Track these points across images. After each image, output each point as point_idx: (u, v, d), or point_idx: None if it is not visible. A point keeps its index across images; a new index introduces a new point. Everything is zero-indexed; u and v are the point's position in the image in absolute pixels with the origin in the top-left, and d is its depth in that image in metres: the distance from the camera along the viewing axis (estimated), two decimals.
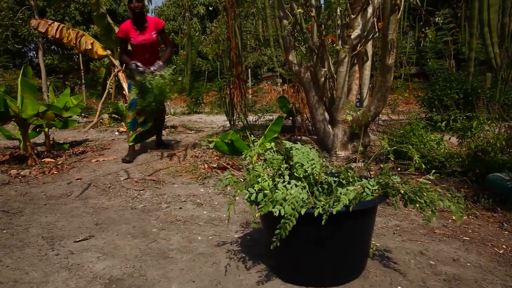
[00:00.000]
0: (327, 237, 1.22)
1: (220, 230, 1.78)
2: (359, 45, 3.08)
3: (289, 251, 1.26)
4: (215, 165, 3.02)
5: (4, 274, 1.37)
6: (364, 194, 1.26)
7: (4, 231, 1.77)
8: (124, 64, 3.48)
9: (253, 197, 1.22)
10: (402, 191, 1.24)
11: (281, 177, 1.30)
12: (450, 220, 1.91)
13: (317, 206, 1.15)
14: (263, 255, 1.47)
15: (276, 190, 1.20)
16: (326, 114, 3.38)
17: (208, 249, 1.58)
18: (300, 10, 3.18)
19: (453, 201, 1.20)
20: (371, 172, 2.58)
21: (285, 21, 3.30)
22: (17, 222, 1.89)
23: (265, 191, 1.23)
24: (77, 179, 2.73)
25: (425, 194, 1.21)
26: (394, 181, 1.27)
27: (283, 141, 1.45)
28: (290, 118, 4.76)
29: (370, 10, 3.04)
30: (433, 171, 1.38)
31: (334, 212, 1.11)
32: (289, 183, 1.25)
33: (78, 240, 1.67)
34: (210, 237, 1.70)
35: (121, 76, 5.69)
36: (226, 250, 1.56)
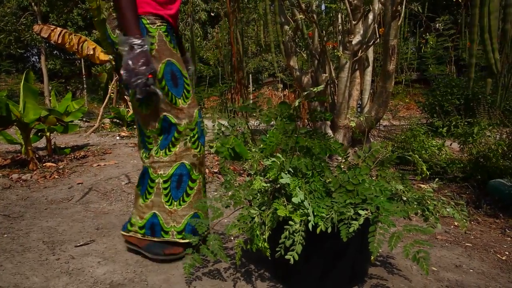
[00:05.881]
0: (330, 244, 1.21)
1: (223, 236, 1.77)
2: (360, 51, 3.09)
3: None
4: (216, 170, 3.02)
5: (5, 279, 1.36)
6: None
7: (5, 236, 1.77)
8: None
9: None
10: (404, 199, 1.24)
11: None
12: (452, 226, 1.91)
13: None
14: (266, 261, 1.47)
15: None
16: None
17: None
18: (301, 16, 3.21)
19: (457, 209, 1.19)
20: (372, 179, 2.58)
21: (286, 27, 3.32)
22: (18, 227, 1.89)
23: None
24: (78, 183, 2.73)
25: (428, 202, 1.20)
26: (397, 188, 1.26)
27: None
28: None
29: (371, 16, 3.06)
30: (436, 179, 1.38)
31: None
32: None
33: (79, 244, 1.67)
34: None
35: None
36: (228, 255, 1.56)
